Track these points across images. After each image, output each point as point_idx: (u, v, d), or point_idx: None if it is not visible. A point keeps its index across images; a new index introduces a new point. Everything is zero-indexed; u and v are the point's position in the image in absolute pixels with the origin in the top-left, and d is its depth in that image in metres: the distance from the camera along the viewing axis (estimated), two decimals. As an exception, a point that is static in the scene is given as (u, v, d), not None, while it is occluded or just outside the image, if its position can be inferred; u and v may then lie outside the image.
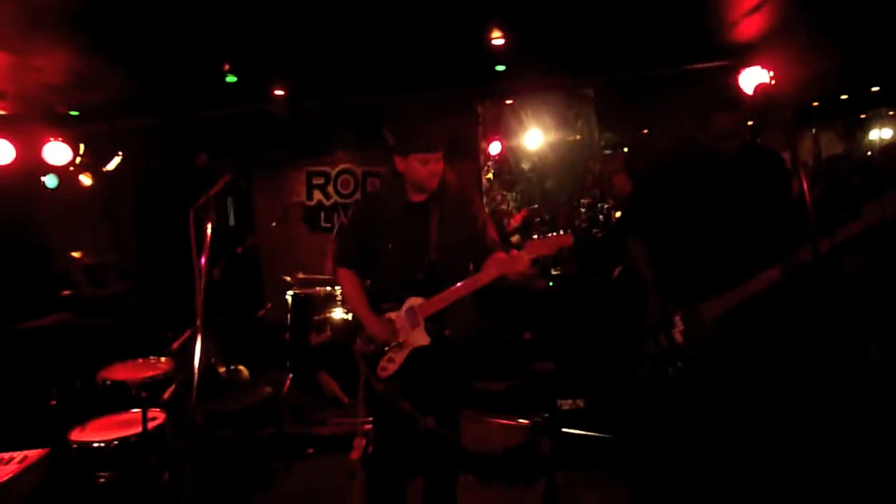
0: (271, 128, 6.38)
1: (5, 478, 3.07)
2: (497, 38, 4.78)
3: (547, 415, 4.12)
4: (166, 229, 4.64)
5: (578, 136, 7.97)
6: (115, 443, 3.33)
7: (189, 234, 2.68)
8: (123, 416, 3.66)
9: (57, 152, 5.37)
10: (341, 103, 6.20)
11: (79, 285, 5.34)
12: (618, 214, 6.71)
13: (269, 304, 6.25)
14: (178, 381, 3.89)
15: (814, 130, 8.51)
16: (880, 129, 9.96)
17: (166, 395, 3.92)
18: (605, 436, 3.81)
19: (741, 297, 2.68)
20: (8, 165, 5.08)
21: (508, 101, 7.47)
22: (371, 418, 3.04)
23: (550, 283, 5.90)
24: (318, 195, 7.42)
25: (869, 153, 9.34)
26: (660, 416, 2.92)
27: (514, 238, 6.59)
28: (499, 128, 7.53)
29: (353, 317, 3.13)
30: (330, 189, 7.42)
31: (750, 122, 4.51)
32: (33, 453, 3.31)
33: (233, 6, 3.72)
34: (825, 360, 2.84)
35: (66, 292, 5.15)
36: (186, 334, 3.96)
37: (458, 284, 2.79)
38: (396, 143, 2.88)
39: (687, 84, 5.50)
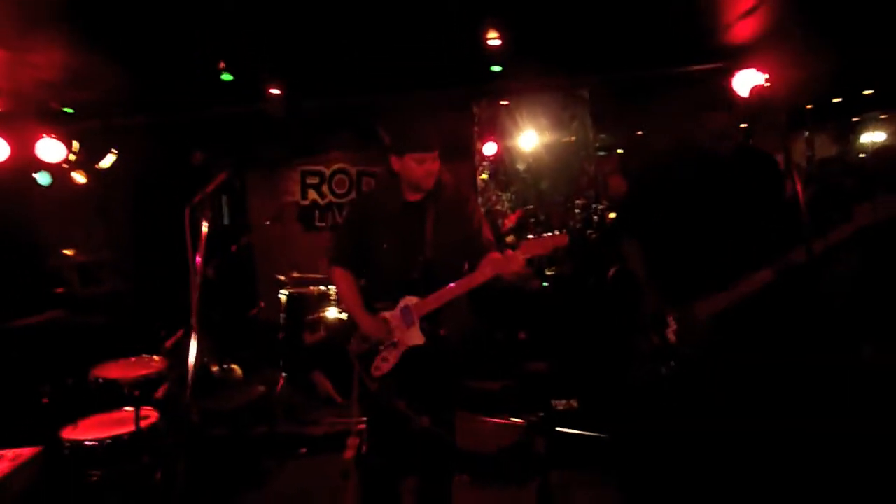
0: (266, 127, 6.36)
1: (-2, 476, 3.05)
2: (493, 39, 4.79)
3: (541, 414, 4.13)
4: (161, 227, 4.62)
5: (573, 137, 7.97)
6: (108, 441, 3.32)
7: (184, 232, 2.67)
8: (116, 415, 3.65)
9: (50, 149, 5.34)
10: (337, 103, 6.20)
11: (71, 283, 5.32)
12: (612, 215, 6.73)
13: (263, 304, 6.24)
14: (172, 380, 3.88)
15: (807, 133, 8.57)
16: (872, 132, 10.02)
17: (159, 394, 3.90)
18: (600, 435, 3.81)
19: (734, 297, 2.70)
20: (2, 162, 5.05)
21: (504, 102, 7.48)
22: (365, 418, 3.04)
23: (545, 284, 5.91)
24: (312, 194, 7.42)
25: (861, 156, 9.39)
26: (653, 416, 2.93)
27: (509, 238, 6.58)
28: (494, 128, 7.53)
29: (347, 316, 3.12)
30: (325, 188, 7.42)
31: (743, 125, 4.53)
32: (26, 451, 3.30)
33: (229, 4, 3.72)
34: (818, 361, 2.86)
35: (59, 290, 5.12)
36: (180, 333, 3.95)
37: (453, 284, 2.78)
38: (392, 142, 2.87)
39: (682, 86, 5.52)
